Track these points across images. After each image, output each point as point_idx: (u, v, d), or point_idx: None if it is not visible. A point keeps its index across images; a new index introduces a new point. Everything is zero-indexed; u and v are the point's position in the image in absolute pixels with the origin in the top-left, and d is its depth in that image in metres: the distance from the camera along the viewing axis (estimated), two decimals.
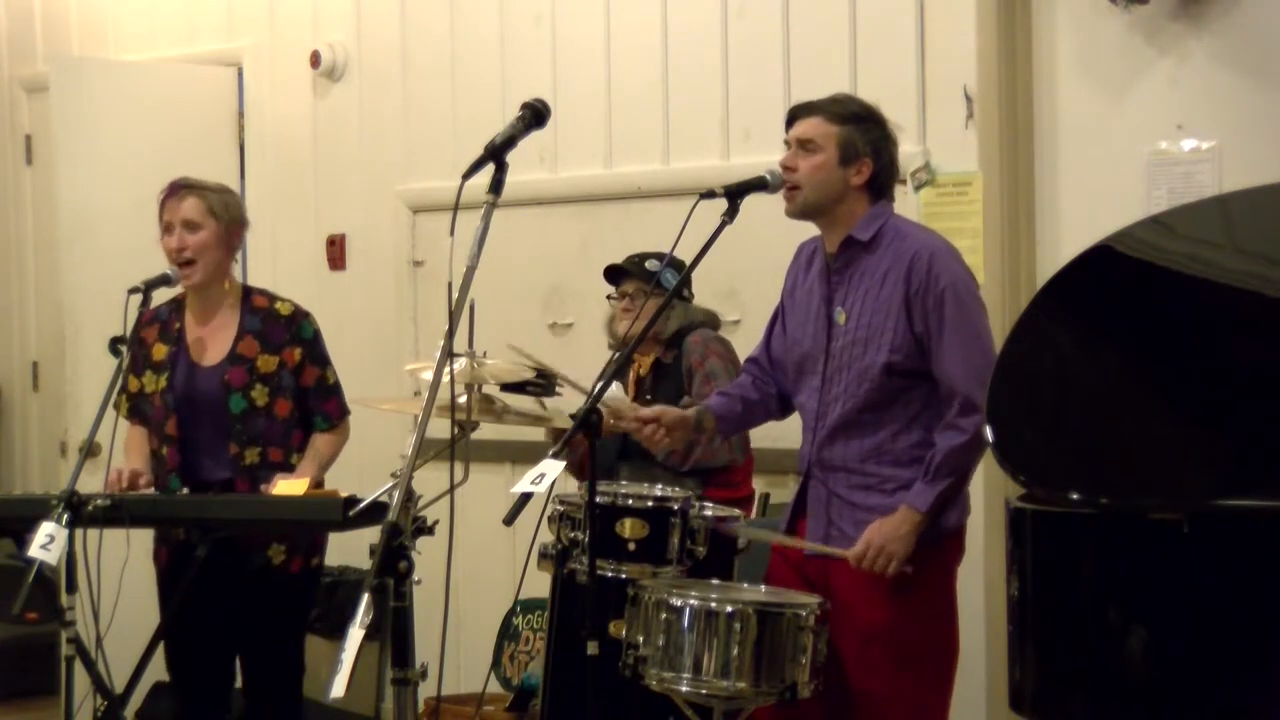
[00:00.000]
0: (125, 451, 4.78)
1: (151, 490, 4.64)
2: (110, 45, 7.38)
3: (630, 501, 4.19)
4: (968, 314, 3.99)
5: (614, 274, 5.15)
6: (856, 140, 4.06)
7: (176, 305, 4.84)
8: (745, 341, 4.95)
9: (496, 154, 3.39)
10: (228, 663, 4.79)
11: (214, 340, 4.73)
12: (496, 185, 3.37)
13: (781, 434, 4.66)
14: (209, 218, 4.71)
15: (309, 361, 4.74)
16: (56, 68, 6.85)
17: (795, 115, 4.15)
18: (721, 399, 4.34)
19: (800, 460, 4.18)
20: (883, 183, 4.11)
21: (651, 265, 5.05)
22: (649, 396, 4.94)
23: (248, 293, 4.80)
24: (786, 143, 4.13)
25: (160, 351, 4.76)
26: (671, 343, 5.05)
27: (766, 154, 4.64)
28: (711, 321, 5.14)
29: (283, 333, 4.73)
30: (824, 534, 4.09)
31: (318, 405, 4.75)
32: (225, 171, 6.76)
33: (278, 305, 4.78)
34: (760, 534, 4.28)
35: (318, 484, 4.65)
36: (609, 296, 5.18)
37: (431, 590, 3.39)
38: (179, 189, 4.75)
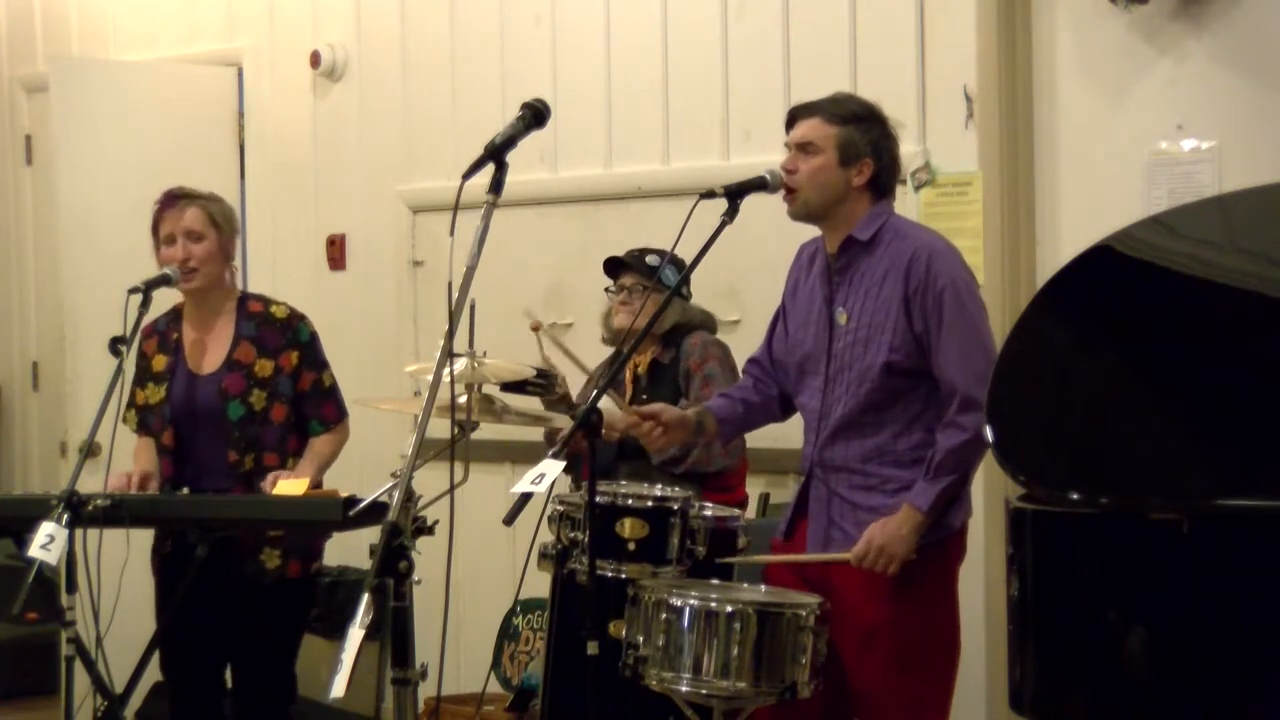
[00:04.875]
0: (134, 459, 4.77)
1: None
2: (110, 45, 7.38)
3: (630, 501, 4.19)
4: (966, 313, 3.99)
5: (613, 267, 5.15)
6: (856, 140, 4.06)
7: (174, 315, 4.83)
8: (745, 341, 4.94)
9: (496, 154, 3.39)
10: (221, 668, 4.79)
11: (211, 348, 4.73)
12: (496, 185, 3.37)
13: (782, 434, 4.66)
14: (210, 227, 4.71)
15: (305, 366, 4.73)
16: (56, 68, 6.86)
17: (794, 117, 4.14)
18: (723, 400, 4.34)
19: (802, 460, 4.18)
20: (884, 182, 4.11)
21: (652, 260, 5.04)
22: (644, 396, 4.93)
23: (243, 299, 4.80)
24: (787, 145, 4.13)
25: (160, 363, 4.76)
26: (669, 342, 5.04)
27: (766, 154, 4.64)
28: (709, 323, 5.14)
29: (279, 337, 4.72)
30: (825, 534, 4.09)
31: (314, 410, 4.75)
32: (225, 171, 6.76)
33: (273, 309, 4.78)
34: (758, 559, 4.26)
35: (317, 484, 4.65)
36: (607, 289, 5.18)
37: (431, 590, 3.39)
38: (178, 199, 4.73)
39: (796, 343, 4.20)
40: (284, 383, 4.70)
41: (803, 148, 4.07)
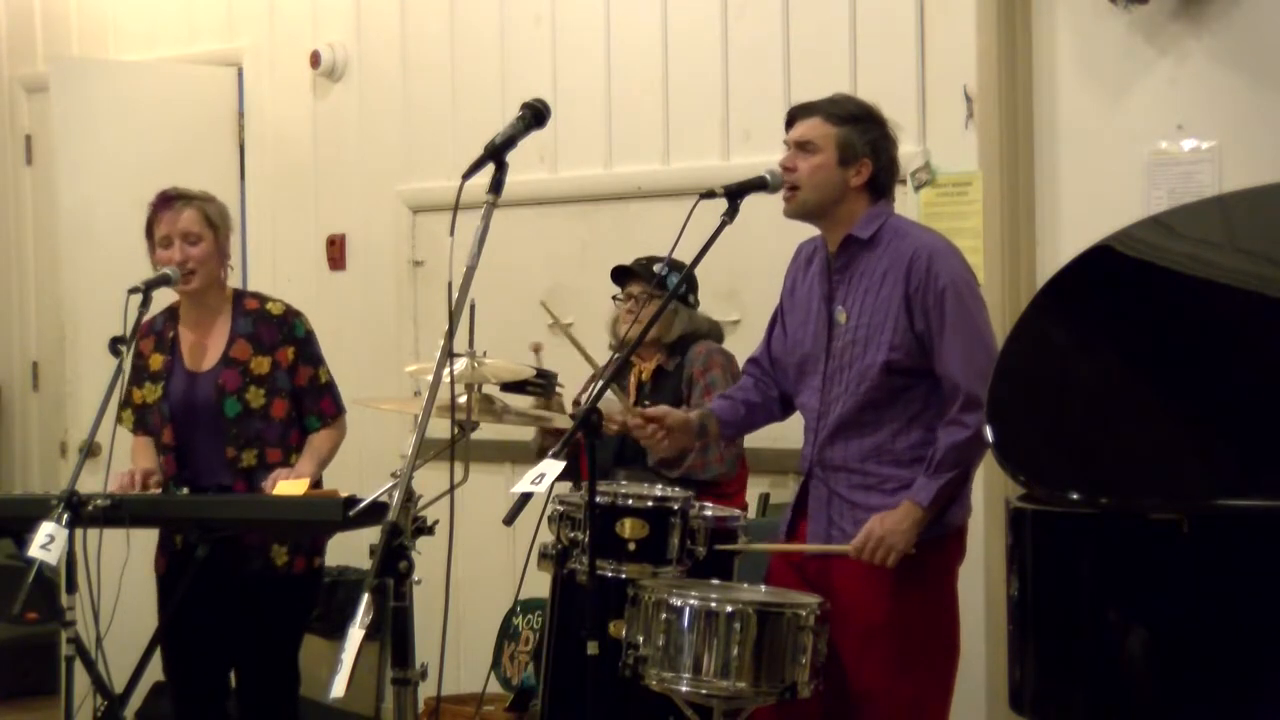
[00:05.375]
0: (132, 458, 4.77)
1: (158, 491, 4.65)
2: (110, 45, 7.38)
3: (630, 501, 4.19)
4: (968, 311, 4.00)
5: (621, 275, 5.15)
6: (855, 141, 4.07)
7: (170, 314, 4.83)
8: (745, 341, 4.94)
9: (496, 154, 3.39)
10: (225, 666, 4.79)
11: (207, 346, 4.73)
12: (496, 185, 3.37)
13: (781, 434, 4.66)
14: (207, 228, 4.69)
15: (301, 361, 4.74)
16: (56, 68, 6.85)
17: (794, 116, 4.15)
18: (724, 402, 4.34)
19: (802, 460, 4.18)
20: (883, 182, 4.12)
21: (660, 269, 5.04)
22: (647, 402, 4.93)
23: (239, 296, 4.80)
24: (786, 144, 4.13)
25: (157, 361, 4.76)
26: (675, 350, 5.04)
27: (766, 154, 4.64)
28: (716, 333, 5.13)
29: (275, 333, 4.73)
30: (825, 534, 4.09)
31: (311, 404, 4.75)
32: (225, 171, 6.77)
33: (269, 306, 4.78)
34: (758, 547, 4.27)
35: (317, 482, 4.65)
36: (615, 297, 5.18)
37: (431, 590, 3.39)
38: (173, 200, 4.70)
39: (796, 342, 4.20)
40: (281, 377, 4.70)
41: (802, 146, 4.08)
